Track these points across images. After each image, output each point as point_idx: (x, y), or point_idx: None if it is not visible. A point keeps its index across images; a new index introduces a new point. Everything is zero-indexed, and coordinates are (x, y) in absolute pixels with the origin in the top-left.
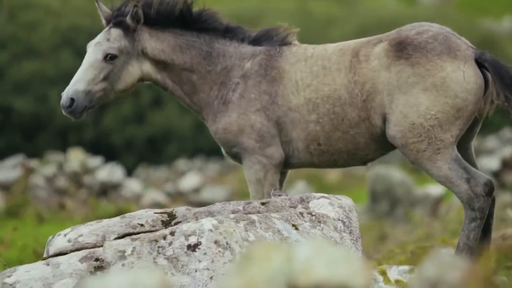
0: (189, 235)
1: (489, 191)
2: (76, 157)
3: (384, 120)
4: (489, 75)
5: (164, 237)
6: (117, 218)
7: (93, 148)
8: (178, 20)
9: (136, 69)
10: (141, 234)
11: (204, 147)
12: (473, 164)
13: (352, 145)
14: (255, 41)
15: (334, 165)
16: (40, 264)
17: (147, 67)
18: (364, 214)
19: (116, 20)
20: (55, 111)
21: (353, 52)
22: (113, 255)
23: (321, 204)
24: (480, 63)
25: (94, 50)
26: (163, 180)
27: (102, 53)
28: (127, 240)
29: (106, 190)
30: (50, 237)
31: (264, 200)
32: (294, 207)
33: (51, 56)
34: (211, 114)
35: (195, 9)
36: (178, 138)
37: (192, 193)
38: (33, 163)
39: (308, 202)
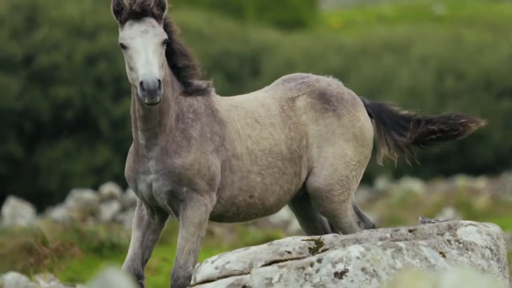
0: (336, 262)
1: None
2: None
3: (309, 173)
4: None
5: (311, 264)
6: (265, 245)
7: None
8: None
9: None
10: (288, 261)
11: None
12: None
13: (279, 200)
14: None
15: (234, 220)
16: None
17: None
18: None
19: (144, 9)
20: None
21: (277, 107)
22: (260, 282)
23: (469, 231)
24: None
25: (148, 37)
26: None
27: (160, 38)
28: (274, 267)
29: None
30: (198, 264)
31: (411, 227)
32: (442, 235)
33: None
34: (173, 144)
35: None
36: None
37: None
38: None
39: (455, 230)
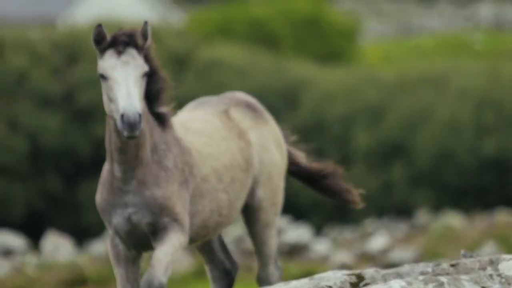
0: None
1: None
2: None
3: (254, 182)
4: None
5: None
6: (305, 280)
7: (282, 207)
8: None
9: None
10: None
11: (392, 206)
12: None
13: (238, 212)
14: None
15: (199, 240)
16: None
17: None
18: None
19: (127, 40)
20: None
21: (218, 121)
22: None
23: (511, 266)
24: None
25: (129, 69)
26: (350, 241)
27: (140, 70)
28: None
29: (294, 251)
30: None
31: (453, 262)
32: (484, 269)
33: None
34: (151, 177)
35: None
36: (365, 197)
37: (380, 254)
38: None
39: (497, 264)
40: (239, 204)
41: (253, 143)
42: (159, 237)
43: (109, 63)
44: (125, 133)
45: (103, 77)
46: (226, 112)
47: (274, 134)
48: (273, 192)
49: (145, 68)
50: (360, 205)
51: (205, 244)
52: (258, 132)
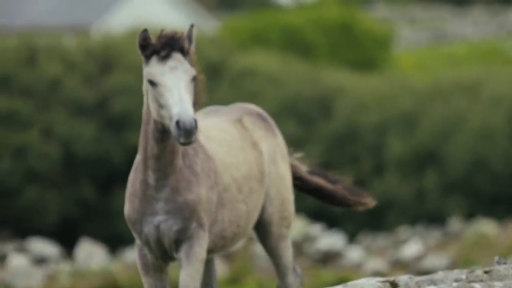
0: None
1: None
2: (297, 225)
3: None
4: None
5: None
6: (339, 287)
7: (315, 215)
8: None
9: None
10: None
11: (425, 214)
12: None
13: (253, 224)
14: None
15: (217, 252)
16: None
17: None
18: None
19: (173, 44)
20: None
21: (234, 130)
22: None
23: None
24: None
25: (178, 74)
26: (383, 248)
27: (189, 74)
28: None
29: (327, 258)
30: None
31: (487, 269)
32: None
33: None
34: (184, 182)
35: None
36: (399, 205)
37: (414, 261)
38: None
39: None
40: (256, 215)
41: (264, 154)
42: (184, 250)
43: (157, 69)
44: (182, 140)
45: (152, 83)
46: (240, 121)
47: (281, 147)
48: (282, 205)
49: (193, 72)
50: (372, 204)
51: (205, 266)
52: (268, 143)
